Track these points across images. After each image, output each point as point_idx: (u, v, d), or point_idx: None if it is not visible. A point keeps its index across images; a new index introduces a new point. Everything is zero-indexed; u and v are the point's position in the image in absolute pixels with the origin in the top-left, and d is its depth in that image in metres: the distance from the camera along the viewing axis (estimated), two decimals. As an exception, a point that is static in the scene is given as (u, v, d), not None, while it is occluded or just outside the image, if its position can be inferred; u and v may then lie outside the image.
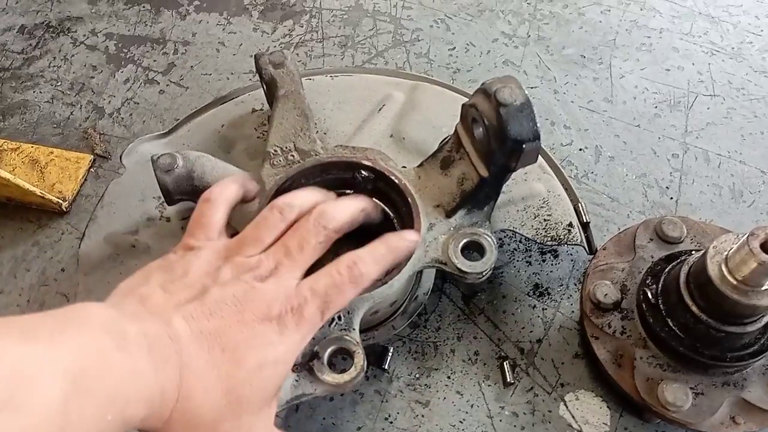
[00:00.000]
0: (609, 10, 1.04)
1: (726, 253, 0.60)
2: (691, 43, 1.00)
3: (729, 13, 1.04)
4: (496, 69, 0.98)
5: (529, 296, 0.78)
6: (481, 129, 0.63)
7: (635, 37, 1.01)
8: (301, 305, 0.55)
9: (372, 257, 0.60)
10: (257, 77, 0.81)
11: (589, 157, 0.89)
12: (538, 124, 0.60)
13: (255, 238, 0.59)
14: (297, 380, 0.60)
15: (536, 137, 0.60)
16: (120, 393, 0.44)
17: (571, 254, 0.81)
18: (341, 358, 0.62)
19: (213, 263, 0.57)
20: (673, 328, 0.66)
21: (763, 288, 0.59)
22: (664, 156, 0.89)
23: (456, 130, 0.68)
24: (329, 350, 0.61)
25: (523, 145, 0.60)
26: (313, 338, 0.62)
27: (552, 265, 0.80)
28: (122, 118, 0.93)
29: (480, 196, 0.67)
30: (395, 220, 0.73)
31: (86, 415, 0.41)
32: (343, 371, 0.61)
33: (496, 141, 0.61)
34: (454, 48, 1.01)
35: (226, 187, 0.64)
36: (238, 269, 0.56)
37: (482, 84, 0.63)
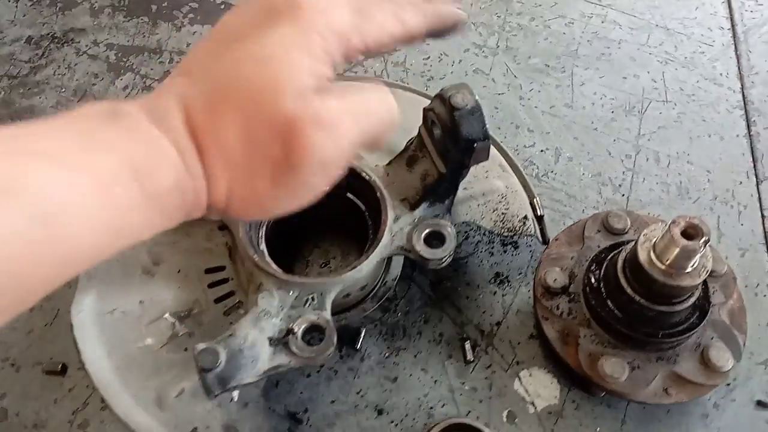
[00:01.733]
0: (572, 23, 1.12)
1: (654, 240, 0.68)
2: (647, 53, 1.08)
3: (684, 25, 1.12)
4: (467, 77, 1.06)
5: (491, 284, 0.86)
6: (438, 130, 0.71)
7: (596, 47, 1.09)
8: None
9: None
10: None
11: (550, 158, 0.97)
12: (487, 125, 0.69)
13: None
14: (274, 353, 0.68)
15: (486, 137, 0.68)
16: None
17: (530, 246, 0.89)
18: (318, 339, 0.69)
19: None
20: (612, 308, 0.74)
21: (687, 270, 0.67)
22: (618, 156, 0.97)
23: (419, 132, 0.76)
24: (303, 327, 0.69)
25: (475, 144, 0.68)
26: (289, 317, 0.70)
27: (512, 255, 0.88)
28: (121, 122, 1.01)
29: (440, 190, 0.75)
30: (366, 213, 0.81)
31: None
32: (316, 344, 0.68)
33: (451, 141, 0.69)
34: (429, 57, 1.09)
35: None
36: None
37: (440, 90, 0.71)
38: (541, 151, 0.98)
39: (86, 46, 1.09)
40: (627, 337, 0.73)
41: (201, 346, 0.65)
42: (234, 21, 0.48)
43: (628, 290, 0.71)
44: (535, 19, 1.13)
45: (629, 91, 1.04)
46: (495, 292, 0.86)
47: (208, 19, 1.13)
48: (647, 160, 0.96)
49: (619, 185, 0.94)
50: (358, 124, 0.47)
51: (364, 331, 0.82)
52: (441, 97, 0.69)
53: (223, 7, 1.15)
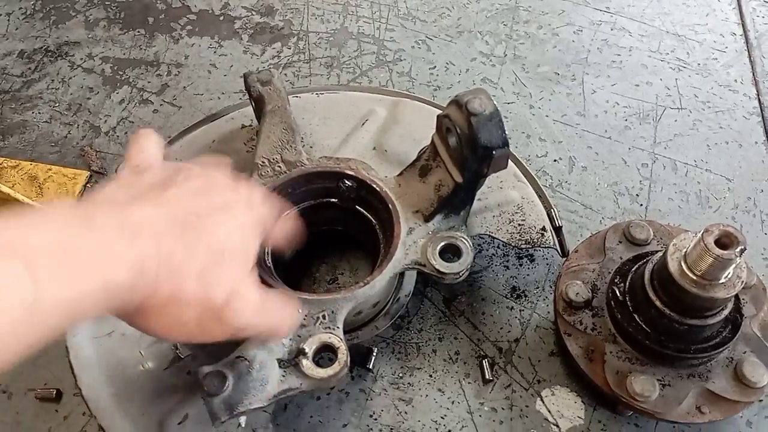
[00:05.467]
0: (581, 30, 1.10)
1: (685, 250, 0.64)
2: (659, 60, 1.05)
3: (695, 32, 1.09)
4: (474, 86, 1.03)
5: (507, 298, 0.82)
6: (454, 138, 0.68)
7: (606, 55, 1.06)
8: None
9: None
10: (247, 95, 0.86)
11: (563, 168, 0.94)
12: (507, 132, 0.65)
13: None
14: (284, 376, 0.64)
15: (505, 144, 0.65)
16: (93, 264, 0.45)
17: (546, 258, 0.85)
18: (327, 359, 0.65)
19: (167, 174, 0.57)
20: (640, 323, 0.70)
21: (720, 281, 0.63)
22: (634, 165, 0.94)
23: (432, 140, 0.73)
24: (314, 347, 0.65)
25: (493, 152, 0.65)
26: (299, 336, 0.66)
27: (528, 268, 0.84)
28: (118, 136, 0.97)
29: (456, 201, 0.71)
30: (377, 226, 0.77)
31: (59, 287, 0.42)
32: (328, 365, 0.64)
33: (468, 148, 0.66)
34: (435, 67, 1.06)
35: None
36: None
37: (455, 96, 0.68)
38: (554, 160, 0.94)
39: (81, 59, 1.05)
40: (656, 353, 0.69)
41: (206, 369, 0.61)
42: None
43: (658, 303, 0.67)
44: (542, 28, 1.10)
45: (642, 98, 1.01)
46: (512, 307, 0.82)
47: (206, 31, 1.10)
48: (664, 168, 0.93)
49: (637, 195, 0.91)
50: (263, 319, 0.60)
51: (376, 350, 0.77)
52: (457, 103, 0.66)
53: (222, 18, 1.12)
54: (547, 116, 0.99)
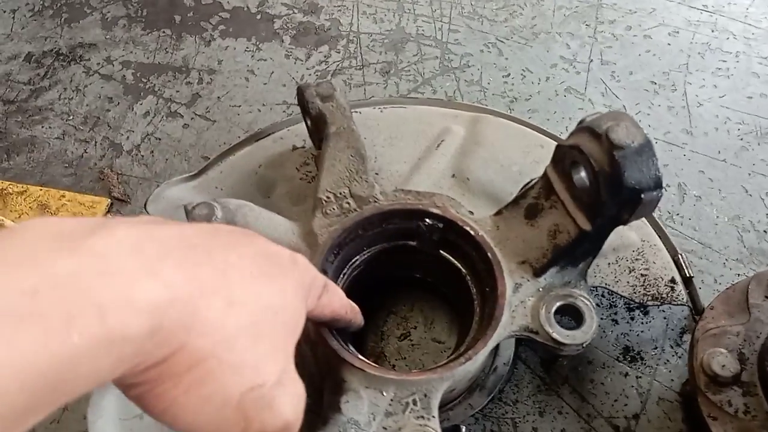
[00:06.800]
0: (677, 32, 0.94)
1: None
2: (773, 68, 0.90)
3: (809, 34, 0.94)
4: (557, 97, 0.88)
5: (619, 362, 0.68)
6: (584, 174, 0.53)
7: (709, 61, 0.91)
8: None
9: None
10: (291, 109, 0.71)
11: (673, 197, 0.79)
12: (660, 170, 0.50)
13: None
14: (370, 484, 0.49)
15: (658, 185, 0.50)
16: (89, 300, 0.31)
17: (663, 311, 0.70)
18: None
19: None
20: (811, 407, 0.55)
21: None
22: (757, 194, 0.79)
23: (546, 174, 0.58)
24: (407, 445, 0.50)
25: (642, 195, 0.50)
26: (384, 429, 0.52)
27: (642, 324, 0.70)
28: (142, 156, 0.83)
29: (578, 252, 0.57)
30: (469, 279, 0.62)
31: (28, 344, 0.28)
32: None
33: (608, 189, 0.51)
34: (509, 75, 0.91)
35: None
36: None
37: (584, 121, 0.53)
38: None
39: (98, 64, 0.91)
40: (833, 446, 0.54)
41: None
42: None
43: (841, 386, 0.52)
44: (632, 28, 0.95)
45: (757, 113, 0.86)
46: (627, 374, 0.67)
47: (242, 32, 0.95)
48: (795, 198, 0.78)
49: (765, 231, 0.76)
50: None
51: (464, 430, 0.63)
52: (592, 131, 0.51)
53: (259, 17, 0.97)
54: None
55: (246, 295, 0.38)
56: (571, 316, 0.57)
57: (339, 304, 0.51)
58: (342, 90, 0.69)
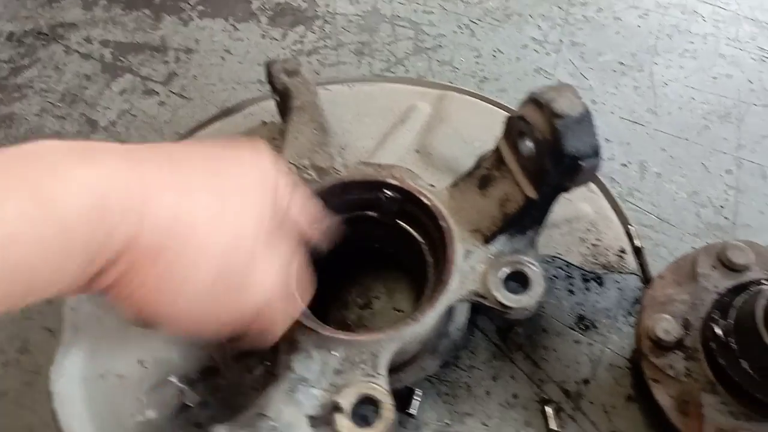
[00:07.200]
0: (647, 14, 0.96)
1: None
2: (739, 49, 0.92)
3: (777, 17, 0.96)
4: (527, 77, 0.90)
5: (573, 330, 0.70)
6: (530, 144, 0.55)
7: (677, 42, 0.93)
8: None
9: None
10: (266, 87, 0.74)
11: (634, 174, 0.81)
12: (598, 138, 0.52)
13: None
14: (316, 437, 0.52)
15: (597, 153, 0.52)
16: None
17: (618, 282, 0.72)
18: (372, 411, 0.53)
19: None
20: (749, 370, 0.57)
21: None
22: (716, 172, 0.81)
23: (497, 146, 0.60)
24: (352, 401, 0.53)
25: (582, 162, 0.52)
26: (333, 386, 0.54)
27: (597, 294, 0.72)
28: (118, 132, 0.85)
29: (526, 220, 0.59)
30: (425, 247, 0.65)
31: None
32: (366, 421, 0.52)
33: (550, 158, 0.53)
34: (480, 55, 0.93)
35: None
36: None
37: (532, 93, 0.55)
38: (623, 165, 0.81)
39: (77, 43, 0.93)
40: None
41: (221, 430, 0.49)
42: None
43: (775, 349, 0.55)
44: (603, 10, 0.97)
45: (722, 93, 0.87)
46: (579, 341, 0.69)
47: (219, 12, 0.97)
48: (752, 175, 0.80)
49: (721, 206, 0.78)
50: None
51: (419, 393, 0.65)
52: (536, 102, 0.53)
53: (237, -3, 0.99)
54: (612, 113, 0.86)
55: (203, 186, 0.39)
56: (520, 282, 0.59)
57: (310, 204, 0.51)
58: (308, 67, 0.71)
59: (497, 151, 0.60)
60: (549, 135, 0.52)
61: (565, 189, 0.55)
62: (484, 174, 0.62)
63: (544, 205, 0.58)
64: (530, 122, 0.53)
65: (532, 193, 0.57)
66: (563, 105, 0.52)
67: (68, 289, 0.35)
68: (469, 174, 0.63)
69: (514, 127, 0.56)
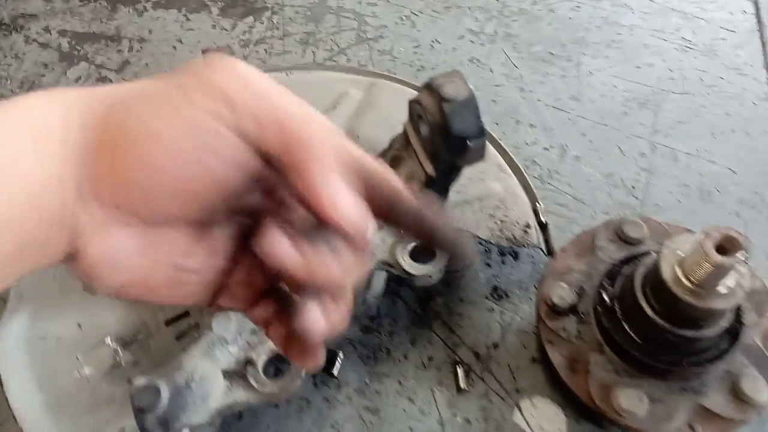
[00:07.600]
0: (579, 7, 1.02)
1: (680, 253, 0.57)
2: (663, 40, 0.97)
3: (702, 9, 1.01)
4: (461, 66, 0.95)
5: (487, 299, 0.76)
6: (426, 126, 0.61)
7: (606, 34, 0.98)
8: None
9: None
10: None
11: (554, 157, 0.86)
12: (483, 120, 0.58)
13: None
14: (229, 388, 0.57)
15: (481, 133, 0.58)
16: None
17: (532, 256, 0.78)
18: (282, 369, 0.59)
19: None
20: (629, 332, 0.63)
21: (719, 290, 0.56)
22: (631, 155, 0.86)
23: (404, 128, 0.66)
24: (265, 356, 0.58)
25: (468, 142, 0.58)
26: (248, 343, 0.60)
27: (512, 267, 0.78)
28: (74, 117, 0.90)
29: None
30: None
31: None
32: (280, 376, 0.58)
33: (440, 138, 0.59)
34: (419, 45, 0.98)
35: None
36: None
37: (428, 80, 0.60)
38: (545, 149, 0.87)
39: (37, 33, 0.98)
40: (646, 365, 0.62)
41: (139, 381, 0.55)
42: None
43: (648, 311, 0.60)
44: (537, 3, 1.02)
45: (643, 81, 0.93)
46: (492, 309, 0.75)
47: (173, 4, 1.02)
48: (664, 158, 0.86)
49: (633, 187, 0.83)
50: None
51: (341, 354, 0.71)
52: (429, 88, 0.59)
53: (191, -10, 1.04)
54: (538, 100, 0.91)
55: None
56: (426, 252, 0.65)
57: None
58: (240, 52, 0.77)
59: (404, 133, 0.66)
60: (438, 117, 0.58)
61: (458, 167, 0.61)
62: (394, 154, 0.67)
63: (443, 182, 0.63)
64: (424, 106, 0.59)
65: (431, 170, 0.62)
66: (450, 90, 0.57)
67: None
68: (382, 154, 0.68)
69: (414, 111, 0.62)
